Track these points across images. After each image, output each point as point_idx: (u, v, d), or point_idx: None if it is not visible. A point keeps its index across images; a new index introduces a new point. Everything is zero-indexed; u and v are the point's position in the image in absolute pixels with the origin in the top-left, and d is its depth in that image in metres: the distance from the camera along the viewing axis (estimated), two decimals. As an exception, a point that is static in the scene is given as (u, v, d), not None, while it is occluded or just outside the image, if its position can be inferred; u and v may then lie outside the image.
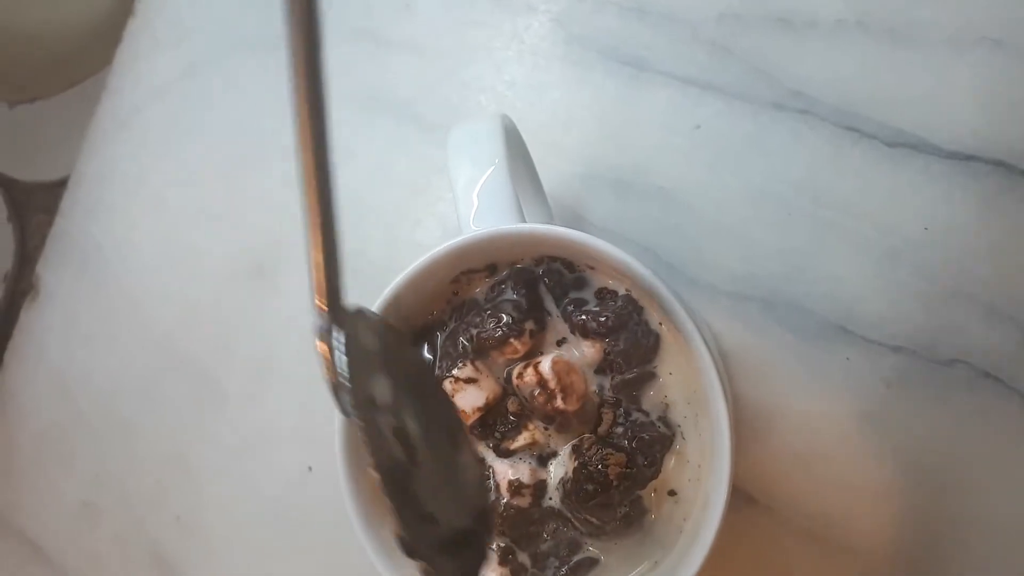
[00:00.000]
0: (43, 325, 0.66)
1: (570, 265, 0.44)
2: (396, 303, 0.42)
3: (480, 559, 0.34)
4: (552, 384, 0.40)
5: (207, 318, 0.63)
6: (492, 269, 0.45)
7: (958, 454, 0.50)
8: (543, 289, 0.44)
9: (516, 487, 0.42)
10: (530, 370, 0.41)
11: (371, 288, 0.42)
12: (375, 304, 0.42)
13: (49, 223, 0.68)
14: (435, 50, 0.61)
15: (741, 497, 0.52)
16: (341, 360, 0.29)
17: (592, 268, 0.43)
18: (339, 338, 0.30)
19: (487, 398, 0.42)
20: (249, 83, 0.64)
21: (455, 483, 0.33)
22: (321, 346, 0.30)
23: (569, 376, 0.41)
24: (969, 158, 0.52)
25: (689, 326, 0.39)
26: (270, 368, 0.61)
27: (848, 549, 0.51)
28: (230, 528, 0.61)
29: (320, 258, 0.30)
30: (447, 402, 0.41)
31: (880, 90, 0.53)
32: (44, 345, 0.66)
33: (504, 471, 0.43)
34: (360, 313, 0.31)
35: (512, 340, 0.42)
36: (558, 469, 0.43)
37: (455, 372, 0.43)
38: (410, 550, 0.28)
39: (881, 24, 0.53)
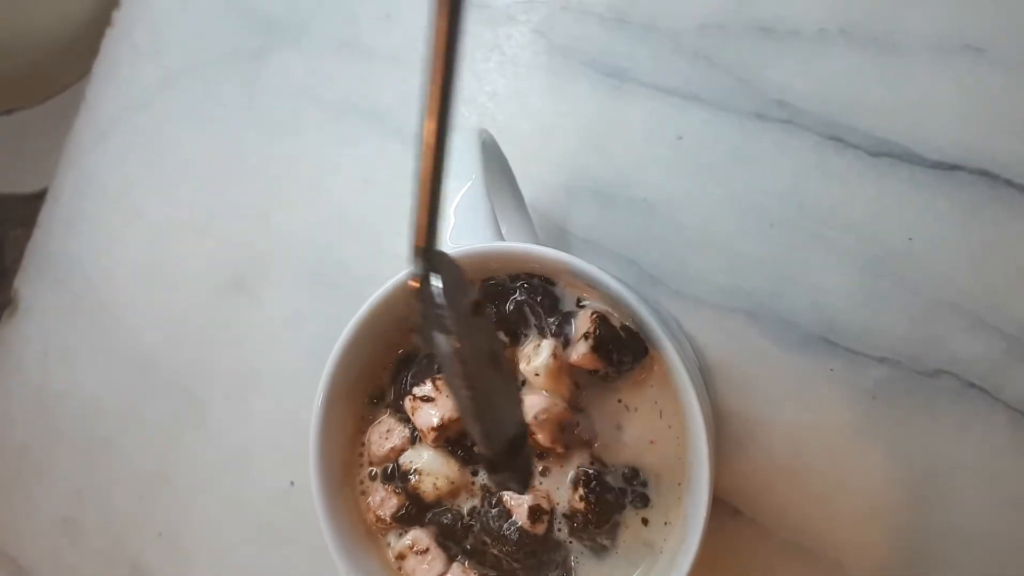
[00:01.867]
0: (21, 340, 0.65)
1: (548, 280, 0.43)
2: (371, 321, 0.42)
3: (530, 460, 0.40)
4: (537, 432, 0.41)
5: (188, 332, 0.62)
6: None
7: (944, 465, 0.50)
8: (520, 302, 0.43)
9: (537, 513, 0.42)
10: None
11: (353, 300, 0.42)
12: (350, 323, 0.41)
13: (27, 236, 0.67)
14: (417, 60, 0.59)
15: (726, 510, 0.52)
16: (439, 294, 0.32)
17: (570, 285, 0.43)
18: (436, 276, 0.32)
19: (443, 418, 0.42)
20: (229, 93, 0.63)
21: (504, 402, 0.36)
22: (412, 282, 0.33)
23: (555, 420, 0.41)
24: (953, 168, 0.51)
25: (665, 343, 0.39)
26: (251, 382, 0.60)
27: (834, 562, 0.51)
28: (212, 544, 0.60)
29: (423, 198, 0.32)
30: (492, 330, 0.42)
31: (864, 99, 0.53)
32: (22, 360, 0.65)
33: (519, 498, 0.42)
34: (443, 254, 0.33)
35: None
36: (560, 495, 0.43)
37: (414, 391, 0.43)
38: (492, 467, 0.35)
39: (864, 33, 0.53)
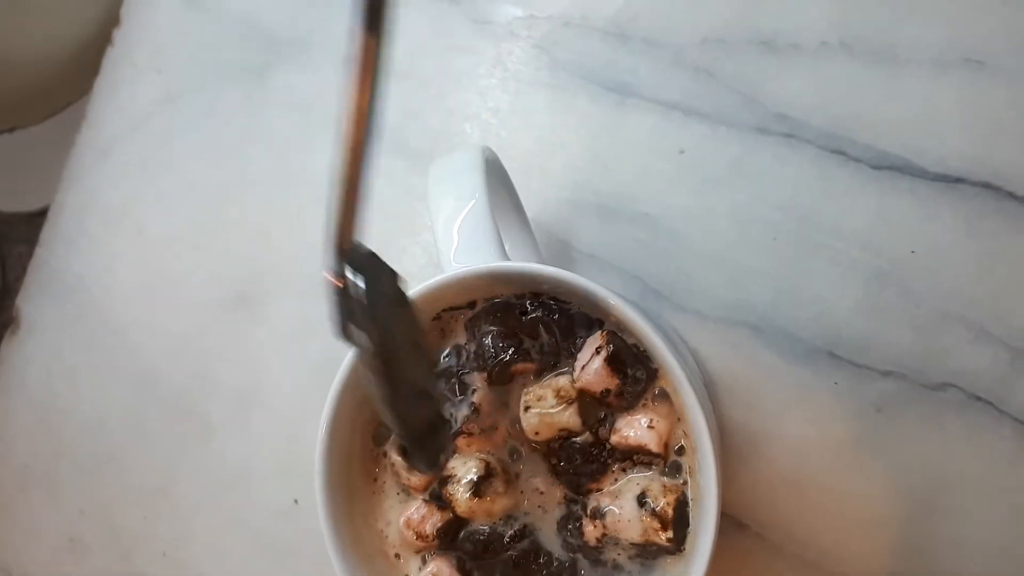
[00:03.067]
0: (24, 358, 0.64)
1: (554, 298, 0.43)
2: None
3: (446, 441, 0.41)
4: None
5: (191, 349, 0.61)
6: (473, 306, 0.44)
7: (950, 478, 0.50)
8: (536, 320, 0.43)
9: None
10: None
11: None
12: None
13: (29, 254, 0.66)
14: (419, 77, 0.60)
15: (731, 523, 0.51)
16: (357, 291, 0.32)
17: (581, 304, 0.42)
18: (354, 271, 0.32)
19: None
20: (230, 110, 0.63)
21: (421, 387, 0.36)
22: (335, 281, 0.33)
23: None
24: (956, 180, 0.51)
25: (670, 360, 0.38)
26: (255, 399, 0.60)
27: (840, 575, 0.50)
28: (217, 562, 0.60)
29: (344, 196, 0.32)
30: (414, 317, 0.39)
31: (865, 112, 0.52)
32: (25, 378, 0.64)
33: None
34: (361, 245, 0.34)
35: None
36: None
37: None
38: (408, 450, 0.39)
39: (865, 46, 0.52)
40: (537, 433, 0.42)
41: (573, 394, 0.41)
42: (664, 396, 0.42)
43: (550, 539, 0.44)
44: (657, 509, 0.40)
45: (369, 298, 0.32)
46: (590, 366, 0.41)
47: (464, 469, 0.43)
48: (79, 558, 0.62)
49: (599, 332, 0.41)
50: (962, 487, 0.50)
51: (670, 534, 0.40)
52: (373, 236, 0.58)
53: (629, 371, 0.41)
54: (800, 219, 0.52)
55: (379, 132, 0.30)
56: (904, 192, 0.51)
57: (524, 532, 0.43)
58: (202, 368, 0.61)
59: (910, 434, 0.50)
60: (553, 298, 0.42)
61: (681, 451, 0.42)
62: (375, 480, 0.46)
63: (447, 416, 0.43)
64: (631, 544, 0.42)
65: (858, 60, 0.53)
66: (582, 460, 0.42)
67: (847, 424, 0.51)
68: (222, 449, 0.60)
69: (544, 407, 0.42)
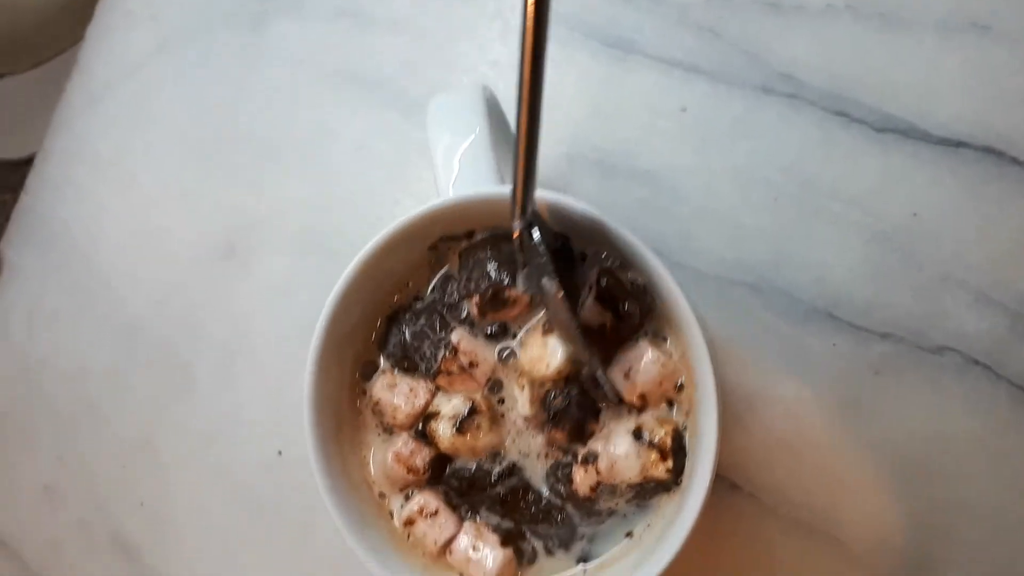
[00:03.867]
0: (5, 304, 0.63)
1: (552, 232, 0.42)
2: (369, 269, 0.41)
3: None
4: None
5: (177, 300, 0.60)
6: (471, 236, 0.43)
7: (946, 441, 0.49)
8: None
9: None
10: None
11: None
12: (348, 268, 0.41)
13: (14, 202, 0.65)
14: (418, 29, 0.58)
15: (724, 485, 0.51)
16: (541, 244, 0.37)
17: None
18: (536, 232, 0.37)
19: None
20: (224, 60, 0.62)
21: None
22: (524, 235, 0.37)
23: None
24: (959, 144, 0.50)
25: (673, 287, 0.38)
26: (240, 351, 0.58)
27: (834, 538, 0.50)
28: (196, 514, 0.58)
29: (522, 172, 0.36)
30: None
31: (870, 74, 0.52)
32: (6, 325, 0.62)
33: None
34: (536, 212, 0.38)
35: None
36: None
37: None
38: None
39: (870, 8, 0.52)
40: (535, 370, 0.41)
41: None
42: (660, 339, 0.41)
43: (538, 480, 0.43)
44: (656, 440, 0.39)
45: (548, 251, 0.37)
46: (585, 303, 0.40)
47: (449, 406, 0.42)
48: (54, 506, 0.60)
49: (594, 270, 0.41)
50: (958, 451, 0.49)
51: (670, 464, 0.39)
52: (368, 187, 0.58)
53: (620, 306, 0.40)
54: (802, 180, 0.52)
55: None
56: (907, 155, 0.51)
57: (512, 470, 0.43)
58: (187, 319, 0.59)
59: (907, 397, 0.50)
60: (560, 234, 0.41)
61: (680, 389, 0.41)
62: (359, 414, 0.45)
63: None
64: (628, 487, 0.41)
65: (863, 22, 0.52)
66: (576, 407, 0.41)
67: (844, 386, 0.50)
68: (205, 400, 0.59)
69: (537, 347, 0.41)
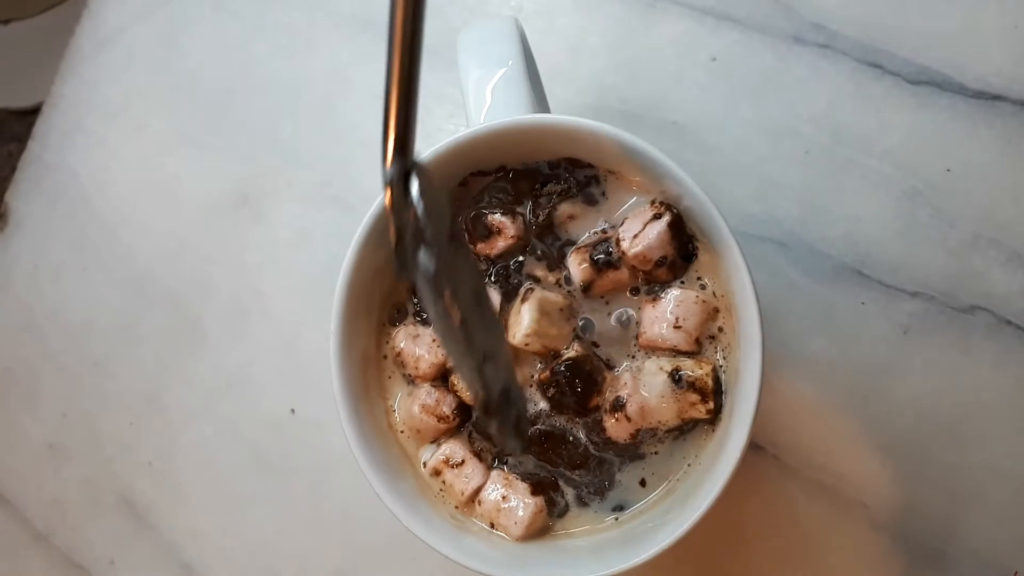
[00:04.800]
0: (10, 256, 0.63)
1: (588, 167, 0.42)
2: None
3: (525, 417, 0.36)
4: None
5: (188, 251, 0.60)
6: (503, 170, 0.43)
7: (975, 403, 0.50)
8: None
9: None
10: None
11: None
12: (375, 203, 0.40)
13: (20, 152, 0.65)
14: (438, -27, 0.59)
15: (748, 445, 0.51)
16: (419, 206, 0.30)
17: (614, 173, 0.42)
18: (414, 187, 0.30)
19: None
20: (238, 4, 0.62)
21: (493, 345, 0.33)
22: (388, 194, 0.31)
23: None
24: (995, 98, 0.51)
25: (724, 227, 0.39)
26: (253, 305, 0.59)
27: (859, 502, 0.51)
28: (205, 473, 0.59)
29: (396, 105, 0.31)
30: (471, 259, 0.40)
31: (904, 25, 0.52)
32: (11, 276, 0.63)
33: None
34: (421, 165, 0.31)
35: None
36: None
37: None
38: (485, 412, 0.32)
39: (907, -44, 0.52)
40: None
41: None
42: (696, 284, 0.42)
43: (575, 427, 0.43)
44: (696, 382, 0.39)
45: (430, 218, 0.30)
46: (649, 231, 0.40)
47: None
48: (58, 464, 0.61)
49: (650, 203, 0.41)
50: (987, 413, 0.50)
51: (711, 405, 0.39)
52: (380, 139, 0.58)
53: (689, 244, 0.41)
54: (833, 133, 0.52)
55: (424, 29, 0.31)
56: (942, 109, 0.51)
57: (546, 415, 0.43)
58: (198, 272, 0.60)
59: (936, 358, 0.50)
60: (588, 172, 0.42)
61: (720, 330, 0.42)
62: (385, 360, 0.45)
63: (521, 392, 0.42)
64: (667, 430, 0.41)
65: (899, -29, 0.52)
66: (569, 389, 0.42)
67: (872, 346, 0.51)
68: (216, 356, 0.59)
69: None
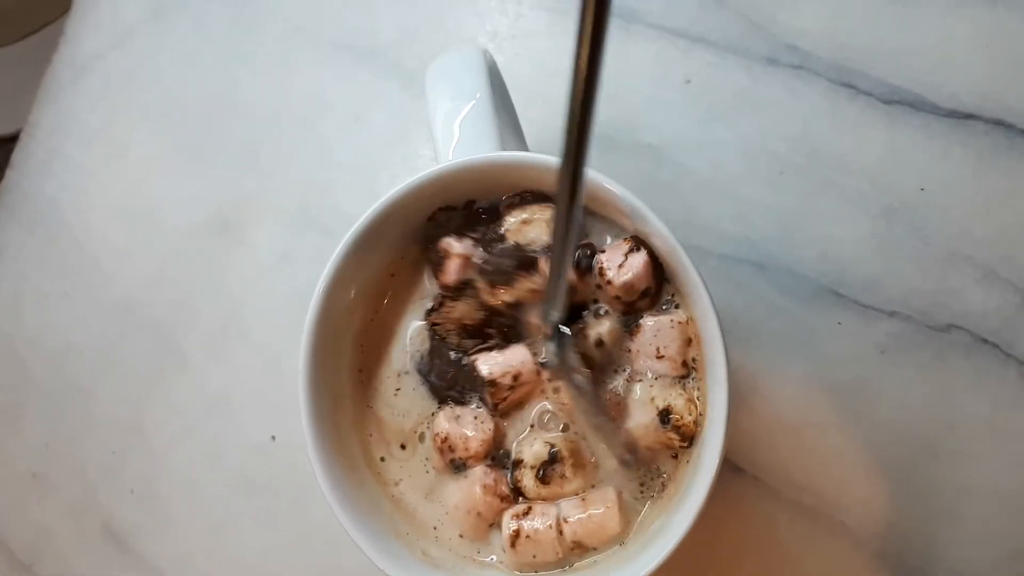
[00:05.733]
0: (-10, 283, 0.64)
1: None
2: (366, 241, 0.42)
3: None
4: None
5: (168, 277, 0.62)
6: (470, 206, 0.44)
7: (953, 422, 0.51)
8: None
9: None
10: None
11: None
12: (343, 241, 0.42)
13: (0, 179, 0.67)
14: (416, -5, 0.60)
15: (727, 466, 0.52)
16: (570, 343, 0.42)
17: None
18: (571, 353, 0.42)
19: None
20: (218, 28, 0.63)
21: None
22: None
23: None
24: (968, 117, 0.52)
25: (690, 268, 0.40)
26: (234, 331, 0.61)
27: (838, 521, 0.52)
28: (188, 500, 0.60)
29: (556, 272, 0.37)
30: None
31: (877, 45, 0.54)
32: (-9, 305, 0.64)
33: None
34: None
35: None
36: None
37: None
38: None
39: (880, -24, 0.54)
40: None
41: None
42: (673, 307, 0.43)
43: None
44: (682, 427, 0.41)
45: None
46: (633, 262, 0.41)
47: (530, 452, 0.43)
48: (42, 493, 0.62)
49: (624, 237, 0.43)
50: (965, 431, 0.51)
51: (688, 446, 0.41)
52: (364, 160, 0.59)
53: (662, 274, 0.43)
54: (808, 153, 0.54)
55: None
56: (915, 128, 0.53)
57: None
58: (179, 297, 0.62)
59: (913, 377, 0.52)
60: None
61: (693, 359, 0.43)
62: (362, 394, 0.46)
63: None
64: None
65: (872, -10, 0.54)
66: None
67: (850, 365, 0.52)
68: (198, 382, 0.61)
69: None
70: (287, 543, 0.59)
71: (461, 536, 0.44)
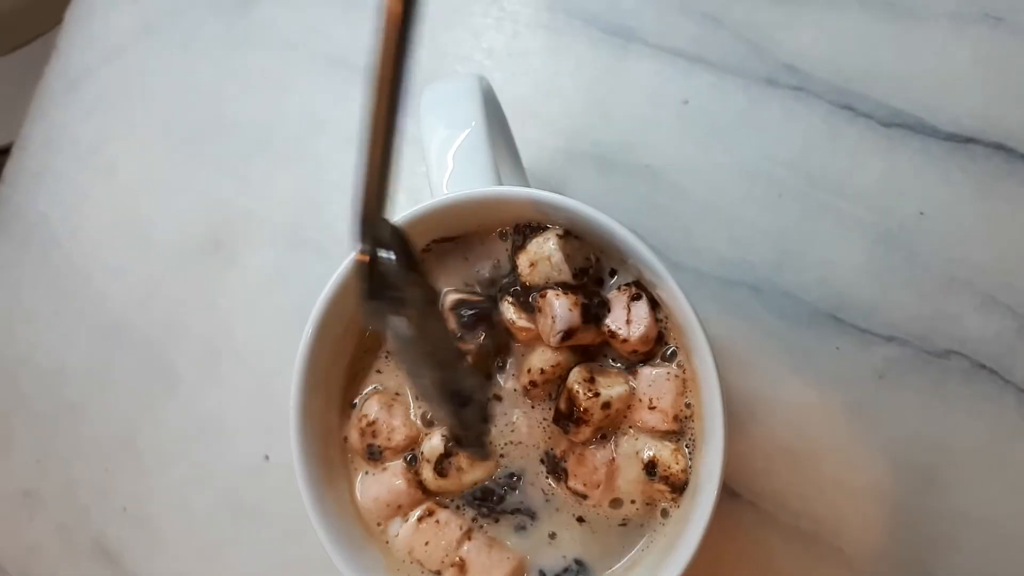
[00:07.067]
0: (-19, 300, 0.66)
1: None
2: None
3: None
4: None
5: (160, 295, 0.63)
6: (465, 239, 0.45)
7: (951, 448, 0.52)
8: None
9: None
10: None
11: (337, 264, 0.42)
12: (329, 282, 0.42)
13: (-10, 193, 0.68)
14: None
15: (723, 492, 0.53)
16: (393, 272, 0.33)
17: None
18: (387, 251, 0.33)
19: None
20: (209, 44, 0.65)
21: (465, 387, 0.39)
22: (363, 256, 0.33)
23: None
24: (968, 140, 0.53)
25: (682, 299, 0.40)
26: (226, 349, 0.62)
27: (835, 548, 0.53)
28: (180, 519, 0.61)
29: (374, 167, 0.33)
30: (443, 320, 0.43)
31: (877, 67, 0.55)
32: (-18, 322, 0.66)
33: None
34: (396, 227, 0.34)
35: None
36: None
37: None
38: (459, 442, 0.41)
39: (880, -3, 0.55)
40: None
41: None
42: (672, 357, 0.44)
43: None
44: (669, 477, 0.42)
45: (402, 282, 0.34)
46: (638, 312, 0.42)
47: (427, 445, 0.44)
48: (33, 512, 0.64)
49: (625, 285, 0.43)
50: (963, 458, 0.52)
51: (679, 496, 0.42)
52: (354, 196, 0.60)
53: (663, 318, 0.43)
54: (807, 176, 0.55)
55: (407, 94, 0.33)
56: (915, 151, 0.54)
57: (513, 483, 0.45)
58: (170, 316, 0.63)
59: (911, 402, 0.53)
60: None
61: (687, 416, 0.43)
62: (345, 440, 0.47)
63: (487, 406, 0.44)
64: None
65: (871, 11, 0.55)
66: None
67: (847, 391, 0.54)
68: (189, 401, 0.62)
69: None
70: (279, 563, 0.60)
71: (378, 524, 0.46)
